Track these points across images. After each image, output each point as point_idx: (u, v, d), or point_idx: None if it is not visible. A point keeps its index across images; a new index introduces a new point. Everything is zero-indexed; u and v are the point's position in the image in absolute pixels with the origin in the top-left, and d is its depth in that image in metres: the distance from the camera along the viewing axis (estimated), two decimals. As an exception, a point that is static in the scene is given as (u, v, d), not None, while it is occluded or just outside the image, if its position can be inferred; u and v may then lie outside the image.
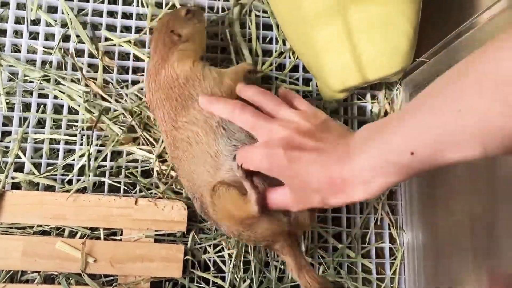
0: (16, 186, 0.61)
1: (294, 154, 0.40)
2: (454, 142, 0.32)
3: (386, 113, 0.70)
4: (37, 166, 0.62)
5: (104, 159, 0.62)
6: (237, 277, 0.61)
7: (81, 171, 0.62)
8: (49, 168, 0.61)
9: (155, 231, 0.59)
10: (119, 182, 0.62)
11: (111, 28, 0.67)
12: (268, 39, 0.71)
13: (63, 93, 0.62)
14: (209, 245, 0.62)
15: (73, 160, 0.62)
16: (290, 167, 0.41)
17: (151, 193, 0.62)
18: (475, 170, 0.56)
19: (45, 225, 0.59)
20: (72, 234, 0.59)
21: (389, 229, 0.67)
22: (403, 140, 0.34)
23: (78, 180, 0.61)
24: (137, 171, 0.63)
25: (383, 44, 0.59)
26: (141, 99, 0.64)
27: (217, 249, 0.62)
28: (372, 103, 0.71)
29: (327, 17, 0.57)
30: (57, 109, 0.64)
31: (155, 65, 0.56)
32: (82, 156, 0.62)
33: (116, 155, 0.64)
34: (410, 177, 0.37)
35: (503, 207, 0.52)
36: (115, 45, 0.66)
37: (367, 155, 0.37)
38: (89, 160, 0.62)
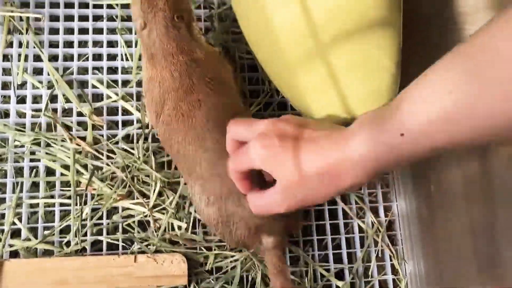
0: (14, 253, 0.61)
1: (290, 143, 0.40)
2: (442, 125, 0.32)
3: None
4: (34, 229, 0.62)
5: (100, 217, 0.63)
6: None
7: (78, 232, 0.61)
8: (46, 232, 0.61)
9: (157, 286, 0.59)
10: (117, 239, 0.62)
11: (96, 85, 0.67)
12: (254, 79, 0.72)
13: (54, 155, 0.63)
14: (212, 294, 0.62)
15: (69, 219, 0.62)
16: (285, 157, 0.40)
17: (148, 245, 0.62)
18: (472, 184, 0.56)
19: (46, 291, 0.58)
20: (74, 297, 0.59)
21: (391, 260, 0.67)
22: (394, 121, 0.35)
23: (76, 242, 0.61)
24: (134, 222, 0.63)
25: (366, 81, 0.59)
26: (132, 154, 0.64)
27: (221, 297, 0.62)
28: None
29: (309, 61, 0.57)
30: (50, 169, 0.65)
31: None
32: (78, 216, 0.62)
33: (112, 209, 0.64)
34: (401, 163, 0.36)
35: (503, 216, 0.52)
36: (102, 99, 0.67)
37: (360, 137, 0.37)
38: (91, 219, 0.62)
